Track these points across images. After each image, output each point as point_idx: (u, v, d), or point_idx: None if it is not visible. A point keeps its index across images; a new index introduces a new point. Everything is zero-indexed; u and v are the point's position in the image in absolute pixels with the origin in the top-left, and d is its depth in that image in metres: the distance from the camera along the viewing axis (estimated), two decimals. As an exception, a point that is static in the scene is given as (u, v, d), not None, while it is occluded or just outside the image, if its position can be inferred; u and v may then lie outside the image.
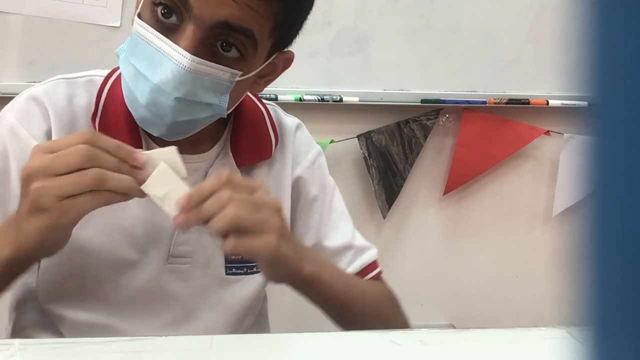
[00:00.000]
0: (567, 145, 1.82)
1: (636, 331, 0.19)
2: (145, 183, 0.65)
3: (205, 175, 0.83)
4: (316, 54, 1.64)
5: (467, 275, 1.93)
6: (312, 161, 0.91)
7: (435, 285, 1.92)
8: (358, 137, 1.74)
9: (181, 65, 0.68)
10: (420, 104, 1.72)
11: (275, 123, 0.89)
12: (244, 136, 0.85)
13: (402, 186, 1.80)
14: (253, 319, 0.92)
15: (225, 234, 0.65)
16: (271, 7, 0.69)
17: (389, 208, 1.80)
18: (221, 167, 0.83)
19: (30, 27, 1.53)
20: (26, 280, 0.84)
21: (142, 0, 0.72)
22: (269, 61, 0.77)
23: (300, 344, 0.68)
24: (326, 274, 0.78)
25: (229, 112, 0.76)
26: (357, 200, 1.82)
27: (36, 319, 0.83)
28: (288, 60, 0.81)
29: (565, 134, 1.81)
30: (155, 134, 0.75)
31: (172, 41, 0.68)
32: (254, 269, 0.87)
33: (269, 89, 1.63)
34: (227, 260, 0.85)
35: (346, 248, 0.91)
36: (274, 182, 0.88)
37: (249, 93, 0.85)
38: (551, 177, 1.88)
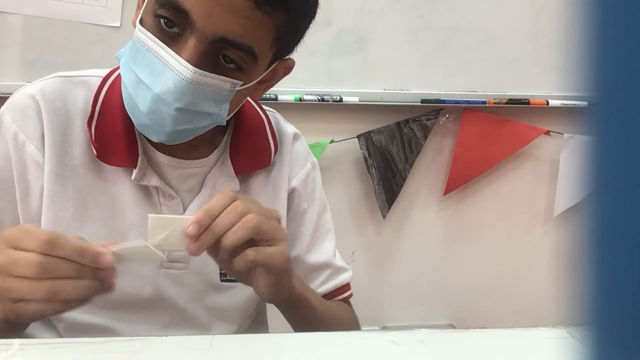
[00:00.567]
0: (567, 145, 1.82)
1: (636, 331, 0.19)
2: (152, 241, 0.64)
3: (203, 181, 0.82)
4: (316, 54, 1.64)
5: (467, 275, 1.93)
6: (307, 174, 0.91)
7: (435, 285, 1.92)
8: (358, 137, 1.74)
9: (183, 77, 0.67)
10: (420, 104, 1.72)
11: (275, 131, 0.89)
12: (243, 143, 0.85)
13: (402, 186, 1.80)
14: (250, 322, 0.92)
15: (237, 248, 0.66)
16: (274, 20, 0.69)
17: (389, 208, 1.80)
18: (219, 174, 0.83)
19: (30, 27, 1.53)
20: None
21: (144, 4, 0.72)
22: (269, 69, 0.77)
23: (300, 344, 0.68)
24: (309, 295, 0.80)
25: (227, 118, 0.76)
26: (357, 200, 1.82)
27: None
28: (288, 68, 0.80)
29: (565, 134, 1.81)
30: (154, 140, 0.75)
31: (174, 51, 0.68)
32: None
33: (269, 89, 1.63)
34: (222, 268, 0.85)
35: (325, 266, 0.91)
36: (271, 190, 0.87)
37: (249, 98, 0.85)
38: (551, 177, 1.88)
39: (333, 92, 1.67)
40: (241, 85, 0.73)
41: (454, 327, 1.93)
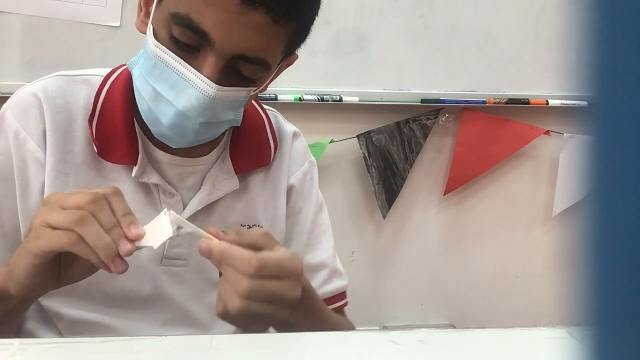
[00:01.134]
0: (567, 145, 1.82)
1: (636, 331, 0.19)
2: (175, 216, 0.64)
3: (203, 179, 0.83)
4: (316, 54, 1.64)
5: (467, 275, 1.93)
6: (305, 173, 0.92)
7: (435, 285, 1.92)
8: (358, 137, 1.74)
9: (207, 94, 0.69)
10: (420, 104, 1.72)
11: (275, 130, 0.90)
12: (243, 142, 0.85)
13: (402, 186, 1.80)
14: None
15: None
16: (287, 31, 0.70)
17: (389, 208, 1.80)
18: (219, 172, 0.83)
19: (30, 27, 1.53)
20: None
21: (152, 14, 0.72)
22: (277, 69, 0.78)
23: (300, 344, 0.68)
24: (307, 322, 0.75)
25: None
26: (357, 200, 1.82)
27: (36, 317, 0.84)
28: (291, 62, 0.81)
29: (565, 134, 1.81)
30: (173, 146, 0.77)
31: (194, 67, 0.69)
32: None
33: (269, 89, 1.63)
34: None
35: (323, 266, 0.91)
36: (271, 188, 0.88)
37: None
38: (551, 177, 1.88)
39: (333, 92, 1.67)
40: (254, 91, 0.75)
41: (454, 327, 1.93)
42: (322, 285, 0.90)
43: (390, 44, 1.69)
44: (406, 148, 1.77)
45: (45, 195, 0.77)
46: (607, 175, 0.20)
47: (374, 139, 1.74)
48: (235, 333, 0.87)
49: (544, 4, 1.72)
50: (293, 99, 1.64)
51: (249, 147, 0.86)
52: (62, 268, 0.65)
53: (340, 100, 1.67)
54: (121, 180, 0.79)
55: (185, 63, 0.69)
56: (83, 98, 0.80)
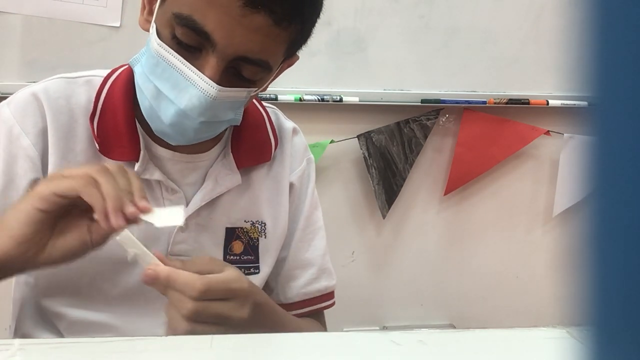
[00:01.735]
0: (567, 145, 1.82)
1: (636, 331, 0.19)
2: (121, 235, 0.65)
3: (205, 175, 0.83)
4: (316, 54, 1.64)
5: (467, 275, 1.93)
6: (303, 170, 0.92)
7: (435, 285, 1.92)
8: (358, 137, 1.74)
9: (208, 94, 0.69)
10: (420, 104, 1.72)
11: (275, 126, 0.91)
12: (245, 138, 0.86)
13: (402, 186, 1.80)
14: None
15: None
16: (289, 33, 0.70)
17: (389, 208, 1.80)
18: (221, 167, 0.84)
19: (30, 27, 1.53)
20: (27, 279, 0.84)
21: (155, 12, 0.72)
22: (277, 70, 0.78)
23: (300, 344, 0.68)
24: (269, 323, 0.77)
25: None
26: (357, 200, 1.82)
27: (36, 317, 0.84)
28: (292, 62, 0.82)
29: (565, 134, 1.81)
30: (173, 144, 0.78)
31: (195, 67, 0.69)
32: (252, 270, 0.87)
33: (269, 89, 1.63)
34: (225, 260, 0.85)
35: (312, 264, 0.91)
36: (273, 183, 0.89)
37: None
38: (551, 177, 1.88)
39: (333, 92, 1.67)
40: (255, 91, 0.76)
41: (454, 327, 1.93)
42: (310, 283, 0.91)
43: (390, 44, 1.69)
44: (406, 148, 1.77)
45: None
46: (607, 175, 0.20)
47: (374, 139, 1.74)
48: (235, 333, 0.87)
49: (544, 4, 1.72)
50: (293, 99, 1.64)
51: (250, 143, 0.86)
52: (52, 237, 0.64)
53: (340, 100, 1.67)
54: None
55: (187, 62, 0.69)
56: (84, 98, 0.80)
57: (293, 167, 0.91)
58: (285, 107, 1.48)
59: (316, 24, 0.77)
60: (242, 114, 0.77)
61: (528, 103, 1.76)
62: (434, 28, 1.70)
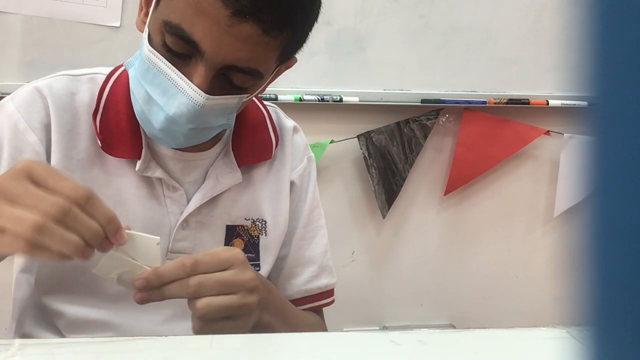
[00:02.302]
0: (567, 145, 1.82)
1: (636, 331, 0.19)
2: (97, 266, 0.63)
3: (206, 173, 0.83)
4: (316, 54, 1.64)
5: (467, 275, 1.93)
6: (304, 168, 0.93)
7: (435, 285, 1.92)
8: (358, 137, 1.74)
9: (196, 102, 0.69)
10: (420, 104, 1.72)
11: (276, 125, 0.91)
12: (245, 137, 0.86)
13: (402, 186, 1.80)
14: None
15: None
16: (280, 41, 0.70)
17: (389, 208, 1.80)
18: (222, 166, 0.84)
19: (30, 27, 1.53)
20: (28, 279, 0.84)
21: (149, 16, 0.72)
22: (272, 74, 0.78)
23: (300, 343, 0.68)
24: (278, 321, 0.77)
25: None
26: (357, 200, 1.82)
27: (36, 316, 0.84)
28: (290, 65, 0.82)
29: (565, 134, 1.81)
30: (165, 147, 0.79)
31: (184, 74, 0.69)
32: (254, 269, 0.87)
33: (269, 89, 1.63)
34: None
35: (313, 261, 0.92)
36: (274, 181, 0.89)
37: None
38: (551, 177, 1.88)
39: (333, 92, 1.67)
40: (247, 97, 0.75)
41: (454, 327, 1.93)
42: (310, 281, 0.91)
43: (390, 44, 1.69)
44: (406, 148, 1.77)
45: None
46: (607, 175, 0.20)
47: (374, 139, 1.74)
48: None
49: (544, 4, 1.72)
50: (293, 99, 1.64)
51: (250, 142, 0.87)
52: None
53: (340, 100, 1.67)
54: (125, 175, 0.80)
55: (176, 70, 0.70)
56: (87, 95, 0.81)
57: (294, 165, 0.91)
58: (285, 107, 1.47)
59: (313, 27, 0.77)
60: (234, 118, 0.77)
61: (528, 103, 1.76)
62: (434, 28, 1.70)
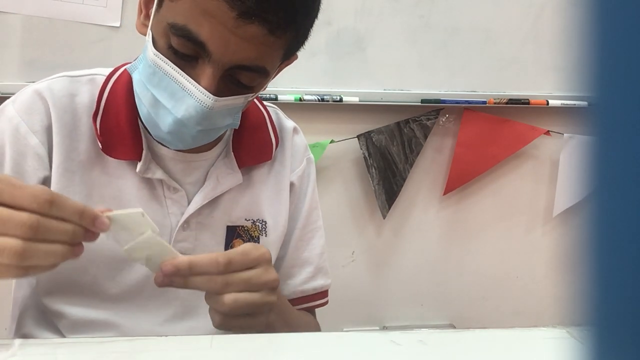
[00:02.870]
0: (567, 145, 1.82)
1: (636, 331, 0.19)
2: (127, 247, 0.63)
3: (206, 174, 0.84)
4: (316, 54, 1.64)
5: (467, 275, 1.93)
6: (303, 170, 0.93)
7: (435, 285, 1.92)
8: (358, 137, 1.74)
9: (204, 105, 0.70)
10: (420, 104, 1.72)
11: (276, 126, 0.91)
12: (246, 138, 0.87)
13: (402, 186, 1.80)
14: None
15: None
16: (285, 40, 0.71)
17: (389, 208, 1.80)
18: (223, 167, 0.84)
19: (30, 27, 1.53)
20: (29, 279, 0.84)
21: (151, 19, 0.72)
22: (275, 71, 0.79)
23: (300, 343, 0.68)
24: (280, 320, 0.78)
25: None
26: (357, 200, 1.82)
27: (37, 317, 0.84)
28: (290, 62, 0.82)
29: (565, 134, 1.81)
30: (171, 148, 0.79)
31: (191, 76, 0.70)
32: None
33: (269, 89, 1.63)
34: None
35: (309, 262, 0.92)
36: (274, 182, 0.89)
37: None
38: (551, 177, 1.88)
39: (333, 92, 1.67)
40: (252, 95, 0.76)
41: (454, 327, 1.93)
42: (306, 282, 0.92)
43: (390, 44, 1.69)
44: (406, 148, 1.77)
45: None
46: (607, 175, 0.20)
47: (374, 139, 1.74)
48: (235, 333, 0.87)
49: (544, 4, 1.72)
50: (293, 99, 1.64)
51: (251, 143, 0.87)
52: None
53: (340, 100, 1.67)
54: (125, 177, 0.80)
55: (183, 73, 0.70)
56: (87, 96, 0.81)
57: (293, 166, 0.92)
58: (285, 107, 1.48)
59: (314, 25, 0.77)
60: (240, 117, 0.78)
61: (528, 103, 1.76)
62: (434, 28, 1.70)
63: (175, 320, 0.83)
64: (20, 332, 0.85)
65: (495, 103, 1.75)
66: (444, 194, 1.84)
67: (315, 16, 0.76)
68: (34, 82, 0.84)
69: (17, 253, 0.53)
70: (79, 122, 0.79)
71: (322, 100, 1.66)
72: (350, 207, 1.82)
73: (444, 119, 1.80)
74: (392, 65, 1.70)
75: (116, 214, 0.62)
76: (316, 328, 0.93)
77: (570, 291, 0.21)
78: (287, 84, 1.63)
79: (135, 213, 0.63)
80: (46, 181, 0.78)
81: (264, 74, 0.73)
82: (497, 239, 1.92)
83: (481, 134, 1.78)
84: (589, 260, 0.20)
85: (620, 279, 0.19)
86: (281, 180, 0.89)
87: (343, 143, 1.73)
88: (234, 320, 0.68)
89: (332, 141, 1.71)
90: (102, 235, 0.79)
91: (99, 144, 0.79)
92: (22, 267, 0.55)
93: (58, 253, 0.57)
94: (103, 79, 0.82)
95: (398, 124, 1.75)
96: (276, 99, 1.62)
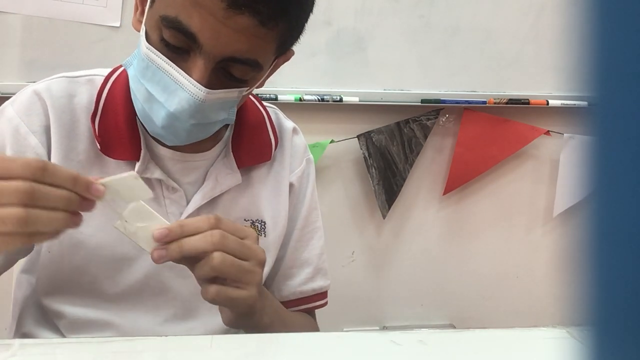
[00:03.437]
0: (567, 145, 1.82)
1: (636, 331, 0.19)
2: (123, 214, 0.63)
3: (205, 174, 0.84)
4: (316, 54, 1.64)
5: (467, 275, 1.93)
6: (303, 170, 0.93)
7: (435, 285, 1.92)
8: (358, 137, 1.74)
9: (196, 97, 0.70)
10: (420, 104, 1.72)
11: (276, 126, 0.91)
12: (245, 138, 0.86)
13: (402, 186, 1.80)
14: None
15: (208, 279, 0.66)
16: (277, 32, 0.70)
17: (389, 208, 1.80)
18: (222, 167, 0.84)
19: (30, 27, 1.53)
20: (29, 278, 0.84)
21: (145, 14, 0.73)
22: (271, 67, 0.78)
23: (300, 344, 0.68)
24: (277, 322, 0.78)
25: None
26: (357, 200, 1.82)
27: (37, 316, 0.84)
28: (288, 57, 0.82)
29: (565, 134, 1.81)
30: (168, 144, 0.79)
31: (183, 69, 0.70)
32: None
33: (269, 89, 1.63)
34: None
35: (309, 263, 0.92)
36: (273, 183, 0.89)
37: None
38: (551, 177, 1.88)
39: (333, 92, 1.67)
40: (247, 90, 0.75)
41: (454, 327, 1.93)
42: (305, 283, 0.91)
43: (390, 44, 1.69)
44: (406, 148, 1.77)
45: None
46: (607, 175, 0.20)
47: (374, 139, 1.74)
48: (235, 333, 0.87)
49: (544, 4, 1.72)
50: (293, 99, 1.64)
51: (250, 143, 0.87)
52: None
53: (340, 100, 1.67)
54: None
55: (175, 66, 0.70)
56: (86, 97, 0.81)
57: (293, 167, 0.91)
58: (285, 107, 1.48)
59: (314, 22, 0.77)
60: (235, 112, 0.78)
61: (528, 103, 1.76)
62: (434, 28, 1.70)
63: (175, 320, 0.83)
64: (20, 332, 0.86)
65: (495, 103, 1.75)
66: (444, 194, 1.84)
67: (310, 10, 0.76)
68: (34, 82, 0.84)
69: (20, 219, 0.54)
70: (78, 122, 0.80)
71: (322, 100, 1.66)
72: (350, 207, 1.82)
73: (444, 119, 1.80)
74: (392, 65, 1.70)
75: (109, 180, 0.61)
76: (314, 330, 0.93)
77: (570, 291, 0.21)
78: (287, 84, 1.63)
79: (128, 177, 0.63)
80: None
81: (257, 67, 0.72)
82: (497, 239, 1.92)
83: (481, 134, 1.78)
84: (589, 260, 0.20)
85: (620, 279, 0.19)
86: (280, 181, 0.89)
87: (343, 143, 1.73)
88: (223, 293, 0.67)
89: (332, 141, 1.71)
90: (101, 235, 0.79)
91: (98, 145, 0.79)
92: (25, 233, 0.56)
93: (59, 219, 0.57)
94: (102, 79, 0.82)
95: (398, 124, 1.75)
96: (276, 99, 1.62)
